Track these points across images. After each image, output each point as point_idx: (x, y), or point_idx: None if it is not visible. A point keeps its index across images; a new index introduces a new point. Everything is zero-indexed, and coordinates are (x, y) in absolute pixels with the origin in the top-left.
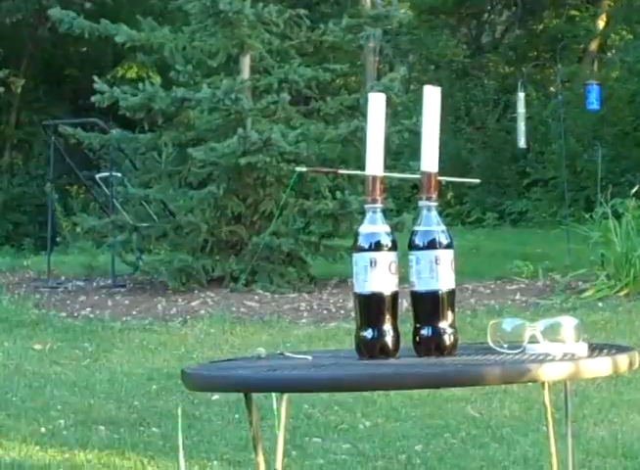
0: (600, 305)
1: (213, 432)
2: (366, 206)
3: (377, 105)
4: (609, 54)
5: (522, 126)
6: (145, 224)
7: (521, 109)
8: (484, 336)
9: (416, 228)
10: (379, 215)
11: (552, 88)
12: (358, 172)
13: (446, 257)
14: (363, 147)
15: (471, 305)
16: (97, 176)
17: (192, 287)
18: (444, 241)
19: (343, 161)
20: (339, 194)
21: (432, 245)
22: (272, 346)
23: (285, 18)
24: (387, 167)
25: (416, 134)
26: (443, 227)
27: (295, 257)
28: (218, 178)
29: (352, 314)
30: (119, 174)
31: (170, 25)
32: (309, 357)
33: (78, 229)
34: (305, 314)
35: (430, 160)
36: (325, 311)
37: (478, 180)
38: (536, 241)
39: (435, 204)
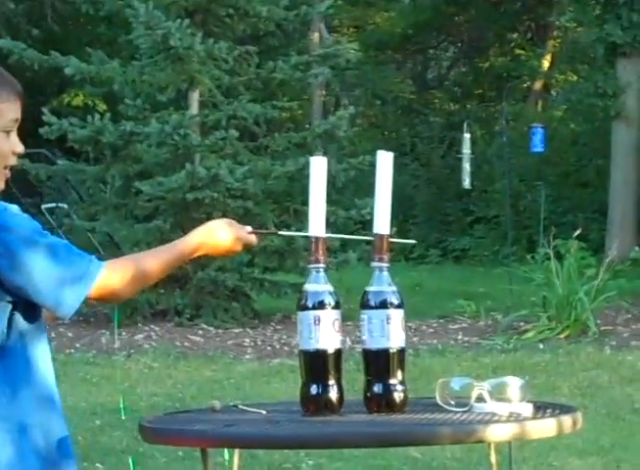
0: (541, 346)
1: (158, 469)
2: (309, 266)
3: (319, 169)
4: (553, 94)
5: (467, 167)
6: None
7: (466, 149)
8: (427, 376)
9: (368, 288)
10: (322, 275)
11: (497, 127)
12: (301, 234)
13: (397, 316)
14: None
15: (414, 344)
16: (43, 207)
17: (136, 320)
18: (395, 301)
19: (289, 195)
20: (285, 230)
21: (383, 305)
22: (216, 382)
23: (234, 55)
24: (331, 202)
25: (361, 171)
26: (394, 288)
27: (239, 292)
28: (165, 212)
29: (295, 351)
30: (65, 205)
31: (118, 56)
32: (263, 412)
33: None
34: (249, 350)
35: (382, 222)
36: (269, 347)
37: (413, 241)
38: (479, 280)
39: (387, 265)
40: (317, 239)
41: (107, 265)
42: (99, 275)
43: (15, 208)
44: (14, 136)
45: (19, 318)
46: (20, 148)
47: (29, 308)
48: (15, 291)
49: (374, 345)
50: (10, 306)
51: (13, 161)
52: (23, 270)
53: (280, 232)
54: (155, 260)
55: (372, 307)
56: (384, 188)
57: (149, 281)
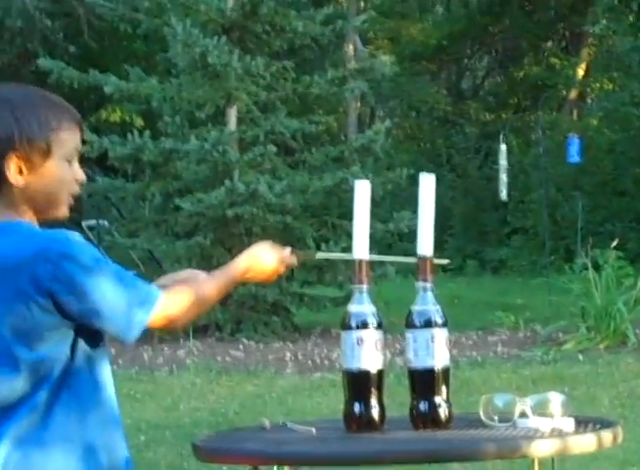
0: (580, 357)
1: None
2: (353, 286)
3: (362, 192)
4: (588, 102)
5: (503, 178)
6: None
7: (502, 161)
8: (467, 388)
9: (413, 308)
10: (365, 295)
11: (532, 136)
12: (339, 255)
13: (441, 335)
14: (347, 196)
15: (453, 357)
16: (84, 224)
17: (177, 336)
18: (439, 320)
19: (327, 208)
20: (323, 245)
21: (428, 324)
22: (258, 397)
23: (271, 70)
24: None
25: (398, 184)
26: (438, 307)
27: (279, 306)
28: (205, 228)
29: (337, 365)
30: (106, 222)
31: (154, 72)
32: (313, 430)
33: None
34: (290, 364)
35: (426, 244)
36: (309, 362)
37: (447, 261)
38: (517, 291)
39: (431, 285)
40: (361, 262)
41: (165, 292)
42: (159, 301)
43: (76, 235)
44: (75, 164)
45: (82, 343)
46: (81, 176)
47: (93, 334)
48: (79, 319)
49: (419, 364)
50: (72, 333)
51: (76, 189)
52: (89, 298)
53: (318, 254)
54: (209, 287)
55: (417, 327)
56: (426, 210)
57: (204, 308)
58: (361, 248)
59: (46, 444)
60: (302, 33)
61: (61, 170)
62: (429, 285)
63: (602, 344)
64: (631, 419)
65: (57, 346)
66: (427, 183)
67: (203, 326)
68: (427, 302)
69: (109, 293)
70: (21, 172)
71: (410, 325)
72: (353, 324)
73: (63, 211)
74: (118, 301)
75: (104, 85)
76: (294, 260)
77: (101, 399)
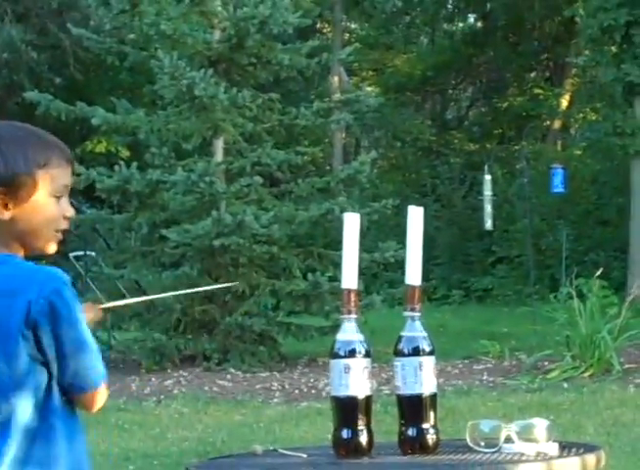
0: (565, 385)
1: None
2: (342, 316)
3: (351, 225)
4: (572, 132)
5: (488, 208)
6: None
7: (487, 191)
8: (453, 416)
9: (402, 336)
10: (353, 325)
11: (517, 166)
12: (129, 301)
13: (429, 362)
14: (332, 227)
15: (439, 385)
16: (71, 255)
17: (165, 366)
18: (427, 348)
19: (313, 238)
20: (310, 275)
21: (416, 352)
22: (245, 426)
23: (258, 102)
24: None
25: (383, 214)
26: (426, 335)
27: (266, 336)
28: (192, 259)
29: (323, 394)
30: (93, 253)
31: (140, 102)
32: (304, 455)
33: None
34: (277, 394)
35: (414, 274)
36: (296, 391)
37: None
38: (502, 320)
39: (419, 314)
40: (349, 291)
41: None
42: (102, 386)
43: (67, 277)
44: (64, 201)
45: (55, 391)
46: (70, 212)
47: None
48: (49, 360)
49: (407, 391)
50: (46, 377)
51: (64, 224)
52: (65, 345)
53: (102, 306)
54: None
55: (405, 355)
56: (414, 241)
57: None
58: (350, 278)
59: None
60: (288, 66)
61: (47, 206)
62: (417, 314)
63: (587, 372)
64: (616, 447)
65: (29, 388)
66: (415, 215)
67: (190, 356)
68: (415, 330)
69: (79, 349)
70: (6, 207)
71: (399, 353)
72: (341, 352)
73: (50, 247)
74: (86, 360)
75: (91, 118)
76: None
77: (71, 448)
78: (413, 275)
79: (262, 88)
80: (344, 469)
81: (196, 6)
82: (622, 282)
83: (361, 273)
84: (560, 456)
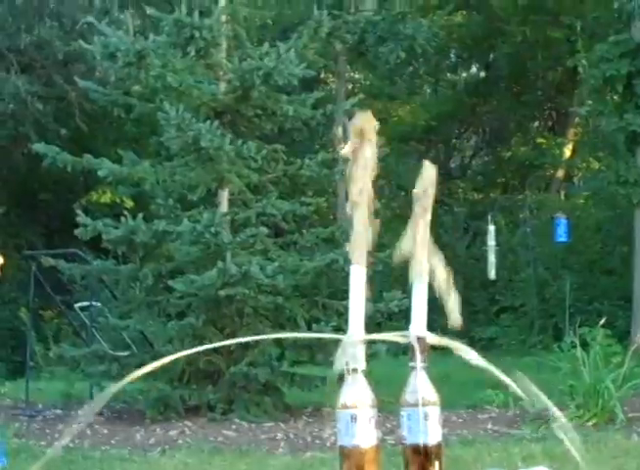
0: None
1: None
2: (346, 367)
3: (357, 277)
4: (575, 182)
5: (492, 258)
6: (124, 353)
7: (491, 241)
8: (458, 466)
9: (407, 386)
10: (359, 376)
11: (520, 215)
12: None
13: (434, 412)
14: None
15: (444, 435)
16: (77, 306)
17: (169, 416)
18: (432, 399)
19: (317, 288)
20: (314, 325)
21: (421, 402)
22: None
23: (263, 153)
24: None
25: (386, 264)
26: (431, 385)
27: (270, 386)
28: (197, 309)
29: (328, 444)
30: (99, 303)
31: (145, 153)
32: None
33: (51, 354)
34: (282, 444)
35: (419, 324)
36: (301, 441)
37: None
38: (506, 369)
39: (425, 364)
40: (355, 341)
41: None
42: None
43: None
44: None
45: None
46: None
47: None
48: None
49: (413, 440)
50: None
51: None
52: None
53: None
54: None
55: (411, 405)
56: (420, 292)
57: None
58: (357, 329)
59: None
60: (293, 117)
61: None
62: (422, 365)
63: (590, 421)
64: None
65: None
66: (419, 268)
67: (194, 406)
68: (421, 381)
69: None
70: None
71: (405, 403)
72: (348, 403)
73: None
74: None
75: (98, 169)
76: None
77: None
78: (418, 325)
79: (267, 139)
80: None
81: (201, 58)
82: (626, 331)
83: (365, 323)
84: None
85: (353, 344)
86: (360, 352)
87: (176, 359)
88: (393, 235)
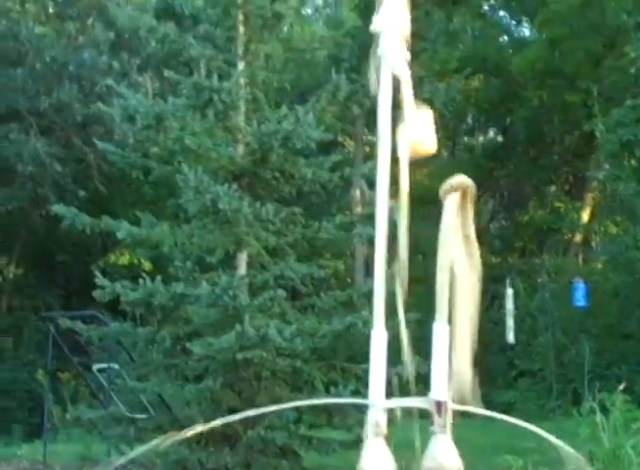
0: None
1: None
2: (366, 433)
3: (379, 341)
4: (593, 246)
5: (510, 322)
6: (141, 416)
7: (509, 305)
8: None
9: (428, 452)
10: (380, 441)
11: (538, 279)
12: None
13: None
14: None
15: None
16: (94, 368)
17: None
18: (454, 466)
19: (335, 351)
20: (332, 388)
21: (443, 468)
22: None
23: (281, 216)
24: None
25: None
26: (453, 450)
27: (288, 449)
28: (215, 372)
29: None
30: (116, 366)
31: (162, 215)
32: None
33: (68, 416)
34: None
35: (439, 388)
36: None
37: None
38: (525, 434)
39: (445, 428)
40: (376, 411)
41: None
42: None
43: None
44: None
45: None
46: None
47: None
48: None
49: None
50: None
51: None
52: None
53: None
54: None
55: None
56: (440, 357)
57: None
58: (378, 394)
59: None
60: (311, 180)
61: None
62: (443, 429)
63: None
64: None
65: None
66: (440, 331)
67: (211, 469)
68: (442, 446)
69: None
70: None
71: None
72: (368, 468)
73: None
74: None
75: (116, 231)
76: None
77: None
78: (439, 390)
79: (285, 202)
80: None
81: (220, 121)
82: None
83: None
84: None
85: (376, 410)
86: (382, 419)
87: (194, 422)
88: (411, 298)
